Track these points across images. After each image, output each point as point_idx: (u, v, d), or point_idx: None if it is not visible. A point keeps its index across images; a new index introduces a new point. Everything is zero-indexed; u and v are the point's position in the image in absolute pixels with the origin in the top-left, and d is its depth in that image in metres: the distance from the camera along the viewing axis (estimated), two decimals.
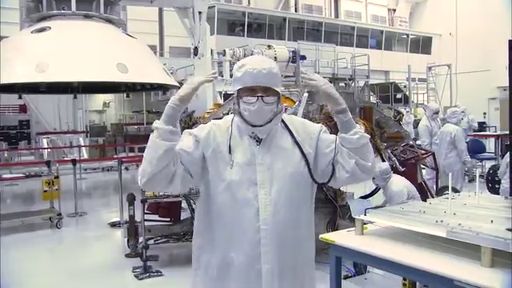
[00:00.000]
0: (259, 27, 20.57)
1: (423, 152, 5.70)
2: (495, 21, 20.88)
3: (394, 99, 18.48)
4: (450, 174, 2.70)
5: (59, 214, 6.83)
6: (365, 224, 2.51)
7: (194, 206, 4.57)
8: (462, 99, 16.84)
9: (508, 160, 5.27)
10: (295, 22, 21.84)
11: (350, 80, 19.11)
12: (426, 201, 2.98)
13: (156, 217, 5.46)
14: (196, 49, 11.64)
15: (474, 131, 11.82)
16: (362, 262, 3.84)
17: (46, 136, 14.08)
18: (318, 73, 17.99)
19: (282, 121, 1.88)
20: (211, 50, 12.63)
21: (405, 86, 19.02)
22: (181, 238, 5.15)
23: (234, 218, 1.76)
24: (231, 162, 1.76)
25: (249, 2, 23.07)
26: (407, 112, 14.61)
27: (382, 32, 24.88)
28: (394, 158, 4.90)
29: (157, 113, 18.39)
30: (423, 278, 2.15)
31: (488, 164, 9.32)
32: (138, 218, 5.10)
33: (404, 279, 3.07)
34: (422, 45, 26.03)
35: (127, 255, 5.23)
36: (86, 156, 13.46)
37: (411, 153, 5.29)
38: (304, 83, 1.83)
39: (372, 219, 2.50)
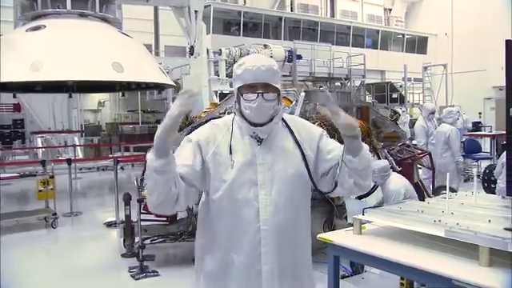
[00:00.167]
0: (255, 26, 20.55)
1: (419, 152, 5.72)
2: (491, 21, 21.02)
3: (390, 99, 18.54)
4: (448, 173, 2.70)
5: (54, 214, 6.79)
6: (363, 224, 2.50)
7: (190, 206, 4.55)
8: (457, 99, 16.93)
9: (504, 160, 5.30)
10: (291, 21, 21.84)
11: (345, 80, 19.14)
12: (423, 200, 2.98)
13: (152, 216, 5.42)
14: (192, 48, 11.62)
15: (469, 131, 11.88)
16: (360, 262, 3.83)
17: (40, 135, 13.99)
18: (314, 72, 18.12)
19: (284, 121, 1.88)
20: (207, 50, 12.60)
21: (401, 86, 19.08)
22: (177, 237, 5.13)
23: (235, 219, 1.75)
24: (232, 163, 1.75)
25: (244, 2, 23.04)
26: (403, 112, 14.65)
27: (377, 32, 24.95)
28: (390, 158, 4.91)
29: (152, 112, 18.38)
30: (421, 278, 2.15)
31: (484, 164, 9.36)
32: (133, 217, 5.08)
33: (402, 279, 3.08)
34: (417, 45, 26.13)
35: (123, 255, 5.21)
36: (80, 155, 13.40)
37: (408, 152, 5.31)
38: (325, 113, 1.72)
39: (370, 219, 2.50)
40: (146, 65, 9.61)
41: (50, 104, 14.52)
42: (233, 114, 1.88)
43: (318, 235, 2.39)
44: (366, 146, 1.77)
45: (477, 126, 15.28)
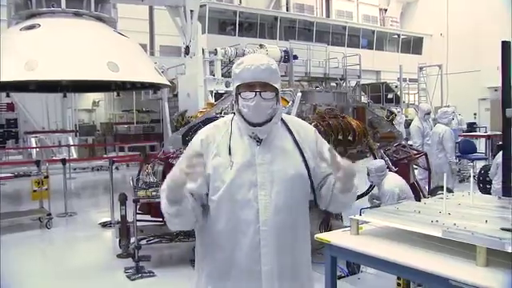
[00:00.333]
0: (250, 26, 20.53)
1: (415, 152, 5.73)
2: (486, 22, 21.12)
3: (385, 99, 18.57)
4: (445, 174, 2.71)
5: (49, 214, 6.75)
6: (360, 224, 2.51)
7: None
8: (452, 99, 16.99)
9: (498, 161, 5.33)
10: (286, 21, 21.83)
11: (341, 80, 19.16)
12: (419, 201, 2.99)
13: (148, 217, 5.41)
14: (187, 48, 11.59)
15: (464, 132, 11.94)
16: (357, 262, 3.84)
17: (34, 135, 13.90)
18: (310, 72, 18.14)
19: (283, 121, 1.88)
20: (203, 49, 12.58)
21: (396, 86, 19.12)
22: (173, 238, 5.12)
23: (234, 219, 1.75)
24: (231, 163, 1.75)
25: (240, 1, 23.02)
26: (398, 112, 14.70)
27: (373, 32, 25.00)
28: (386, 158, 4.92)
29: (147, 112, 18.32)
30: (419, 278, 2.16)
31: (479, 164, 9.41)
32: (129, 218, 5.05)
33: (398, 279, 3.08)
34: (413, 45, 26.21)
35: (119, 255, 5.19)
36: (75, 155, 13.33)
37: (404, 153, 5.32)
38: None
39: (367, 219, 2.50)
40: (142, 64, 9.58)
41: (44, 103, 14.43)
42: (232, 114, 1.87)
43: (316, 235, 2.39)
44: (356, 185, 1.82)
45: (472, 126, 15.34)
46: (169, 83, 10.94)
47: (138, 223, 4.88)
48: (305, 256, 1.90)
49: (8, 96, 11.76)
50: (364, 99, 17.48)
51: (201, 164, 1.62)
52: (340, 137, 4.53)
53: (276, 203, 1.75)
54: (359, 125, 4.71)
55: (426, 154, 6.01)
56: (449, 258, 2.03)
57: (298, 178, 1.79)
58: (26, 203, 7.92)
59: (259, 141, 1.80)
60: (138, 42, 11.01)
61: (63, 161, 8.05)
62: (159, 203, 4.87)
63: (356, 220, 2.48)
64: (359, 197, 5.34)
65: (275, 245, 1.75)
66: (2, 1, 11.15)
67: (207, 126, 1.90)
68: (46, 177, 6.83)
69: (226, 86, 12.40)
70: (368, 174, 4.65)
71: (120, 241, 5.25)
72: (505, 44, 3.12)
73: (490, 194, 5.24)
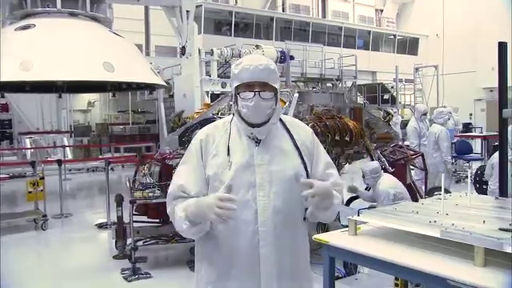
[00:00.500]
0: (246, 27, 20.53)
1: (412, 153, 5.75)
2: (481, 23, 21.23)
3: (382, 100, 18.64)
4: (443, 175, 2.71)
5: (44, 216, 6.70)
6: (358, 224, 2.50)
7: None
8: (448, 100, 17.04)
9: (493, 161, 5.35)
10: (282, 21, 21.85)
11: (337, 80, 19.20)
12: (417, 201, 2.99)
13: (145, 218, 5.39)
14: (183, 48, 11.57)
15: (460, 132, 11.99)
16: (355, 262, 3.84)
17: (28, 136, 13.82)
18: (306, 73, 18.15)
19: (282, 122, 1.88)
20: (199, 50, 12.56)
21: (392, 87, 19.19)
22: (170, 239, 5.09)
23: (233, 220, 1.73)
24: (229, 164, 1.75)
25: (236, 2, 23.01)
26: (395, 113, 14.75)
27: (369, 32, 25.06)
28: (383, 159, 4.93)
29: (143, 112, 18.26)
30: (417, 278, 2.15)
31: (475, 165, 9.45)
32: (125, 219, 5.03)
33: (396, 279, 3.08)
34: (408, 46, 26.30)
35: (115, 257, 5.16)
36: (70, 156, 13.26)
37: (400, 153, 5.33)
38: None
39: (365, 219, 2.50)
40: (138, 65, 9.54)
41: (39, 104, 14.35)
42: (231, 115, 1.88)
43: (314, 236, 2.39)
44: (336, 202, 1.81)
45: (467, 127, 15.41)
46: (165, 84, 10.91)
47: (135, 224, 4.86)
48: (304, 256, 1.91)
49: (3, 96, 11.68)
50: (360, 100, 17.51)
51: (232, 207, 1.63)
52: (337, 137, 4.53)
53: (275, 204, 1.75)
54: (356, 125, 4.71)
55: (422, 155, 6.03)
56: (447, 259, 2.03)
57: (296, 180, 1.79)
58: (21, 204, 7.86)
59: (258, 141, 1.80)
60: (133, 43, 10.96)
61: (59, 162, 8.00)
62: (156, 204, 4.88)
63: (354, 221, 2.47)
64: (354, 199, 5.36)
65: (274, 245, 1.76)
66: None
67: (207, 126, 1.91)
68: (42, 178, 6.79)
69: (222, 87, 12.39)
70: (363, 176, 4.66)
71: (116, 242, 5.22)
72: (501, 45, 3.13)
73: (486, 194, 5.26)
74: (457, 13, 23.14)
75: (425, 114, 8.10)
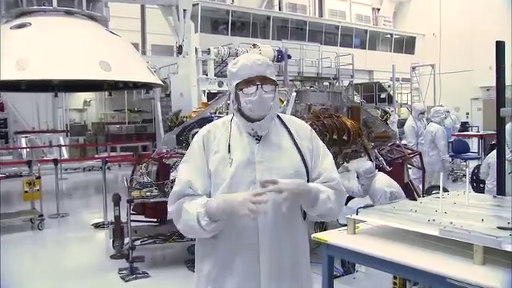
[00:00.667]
0: (243, 26, 20.51)
1: (410, 152, 5.76)
2: (478, 22, 21.30)
3: (378, 99, 18.64)
4: (441, 173, 2.71)
5: (41, 216, 6.67)
6: (356, 223, 2.50)
7: None
8: (445, 99, 17.09)
9: (490, 160, 5.37)
10: (279, 20, 21.83)
11: (334, 79, 19.21)
12: (415, 200, 2.99)
13: (142, 217, 5.37)
14: (180, 47, 11.53)
15: (458, 131, 12.04)
16: (354, 261, 3.84)
17: (24, 135, 13.75)
18: (302, 72, 18.15)
19: (282, 120, 1.90)
20: (196, 49, 12.53)
21: (389, 86, 19.20)
22: (167, 238, 5.08)
23: (233, 218, 1.74)
24: (230, 161, 1.76)
25: (233, 0, 22.96)
26: (392, 112, 14.77)
27: (366, 31, 25.08)
28: (381, 158, 4.93)
29: (139, 111, 18.21)
30: (416, 276, 2.16)
31: (472, 164, 9.48)
32: (122, 218, 5.01)
33: (395, 278, 3.09)
34: (405, 45, 26.34)
35: (112, 256, 5.14)
36: (66, 156, 13.20)
37: (398, 152, 5.34)
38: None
39: (364, 218, 2.50)
40: (134, 64, 9.52)
41: (34, 103, 14.29)
42: (231, 115, 1.90)
43: (313, 235, 2.39)
44: (322, 197, 1.78)
45: (464, 126, 15.46)
46: (161, 83, 10.89)
47: (132, 223, 4.84)
48: (304, 255, 1.91)
49: None
50: (357, 99, 17.53)
51: (265, 200, 1.62)
52: (335, 136, 4.53)
53: (274, 203, 1.75)
54: (354, 124, 4.72)
55: (420, 154, 6.04)
56: (446, 257, 2.03)
57: (296, 176, 1.79)
58: (17, 204, 7.82)
59: (258, 139, 1.81)
60: (129, 41, 10.92)
61: (55, 161, 7.96)
62: (153, 203, 4.85)
63: (353, 219, 2.47)
64: (352, 198, 5.34)
65: (274, 243, 1.76)
66: None
67: (207, 125, 1.93)
68: (38, 177, 6.75)
69: (219, 86, 12.39)
70: (357, 177, 4.64)
71: (114, 241, 5.20)
72: (499, 44, 3.14)
73: (483, 193, 5.28)
74: (454, 12, 23.20)
75: (422, 113, 8.11)
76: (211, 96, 11.45)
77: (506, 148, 4.17)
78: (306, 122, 2.02)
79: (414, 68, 19.51)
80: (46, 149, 13.40)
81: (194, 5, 13.31)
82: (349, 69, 19.17)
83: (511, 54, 3.18)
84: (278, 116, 1.92)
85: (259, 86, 1.75)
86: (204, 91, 12.21)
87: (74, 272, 4.87)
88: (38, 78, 8.22)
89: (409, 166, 5.94)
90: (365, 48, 24.47)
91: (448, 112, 9.47)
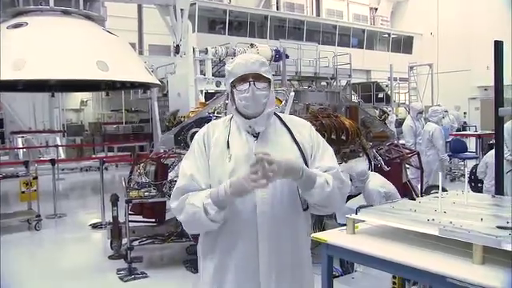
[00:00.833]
0: (240, 25, 20.49)
1: (408, 151, 5.76)
2: (476, 21, 21.34)
3: (376, 98, 18.65)
4: (440, 173, 2.71)
5: (38, 216, 6.64)
6: (356, 223, 2.50)
7: None
8: (443, 99, 17.12)
9: (487, 160, 5.38)
10: (277, 20, 21.82)
11: (331, 79, 19.22)
12: (414, 200, 2.99)
13: (140, 217, 5.35)
14: (178, 47, 11.52)
15: (457, 130, 12.06)
16: (354, 261, 3.84)
17: (20, 135, 13.69)
18: (300, 72, 18.15)
19: (280, 119, 1.93)
20: (193, 48, 12.52)
21: (386, 86, 19.23)
22: (166, 238, 5.06)
23: (232, 215, 1.76)
24: (229, 156, 1.79)
25: (230, 0, 22.95)
26: (390, 111, 14.79)
27: (363, 31, 25.09)
28: (379, 158, 4.93)
29: (136, 111, 18.17)
30: (416, 276, 2.15)
31: (470, 163, 9.50)
32: (120, 218, 5.00)
33: (394, 278, 3.08)
34: (403, 44, 26.35)
35: (110, 257, 5.13)
36: (62, 156, 13.16)
37: (396, 152, 5.34)
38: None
39: (363, 218, 2.50)
40: (132, 63, 9.50)
41: (31, 103, 14.24)
42: (231, 115, 1.93)
43: (312, 235, 2.38)
44: (319, 181, 1.77)
45: (462, 125, 15.47)
46: (159, 82, 10.87)
47: (130, 224, 4.83)
48: (305, 253, 1.93)
49: None
50: (354, 99, 17.54)
51: (264, 168, 1.62)
52: (333, 136, 4.53)
53: (273, 198, 1.78)
54: (352, 124, 4.71)
55: (418, 153, 6.04)
56: (445, 256, 2.03)
57: None
58: (14, 205, 7.78)
59: (256, 136, 1.84)
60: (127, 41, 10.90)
61: (52, 161, 7.94)
62: (151, 204, 4.83)
63: (352, 219, 2.47)
64: (350, 197, 5.34)
65: (273, 241, 1.77)
66: None
67: (207, 124, 1.98)
68: (35, 178, 6.73)
69: (217, 86, 12.36)
70: (351, 180, 4.63)
71: (112, 242, 5.18)
72: (497, 44, 3.14)
73: (481, 192, 5.29)
74: (451, 11, 23.24)
75: (421, 113, 8.12)
76: (209, 96, 11.42)
77: (505, 147, 4.18)
78: None
79: (411, 68, 19.55)
80: (43, 149, 13.36)
81: (191, 4, 13.30)
82: (346, 68, 19.19)
83: (509, 54, 3.18)
84: (278, 116, 1.93)
85: (251, 83, 1.78)
86: (202, 91, 12.18)
87: (72, 273, 4.86)
88: (35, 77, 8.19)
89: (407, 165, 5.95)
90: (362, 48, 24.48)
91: (446, 112, 9.49)
